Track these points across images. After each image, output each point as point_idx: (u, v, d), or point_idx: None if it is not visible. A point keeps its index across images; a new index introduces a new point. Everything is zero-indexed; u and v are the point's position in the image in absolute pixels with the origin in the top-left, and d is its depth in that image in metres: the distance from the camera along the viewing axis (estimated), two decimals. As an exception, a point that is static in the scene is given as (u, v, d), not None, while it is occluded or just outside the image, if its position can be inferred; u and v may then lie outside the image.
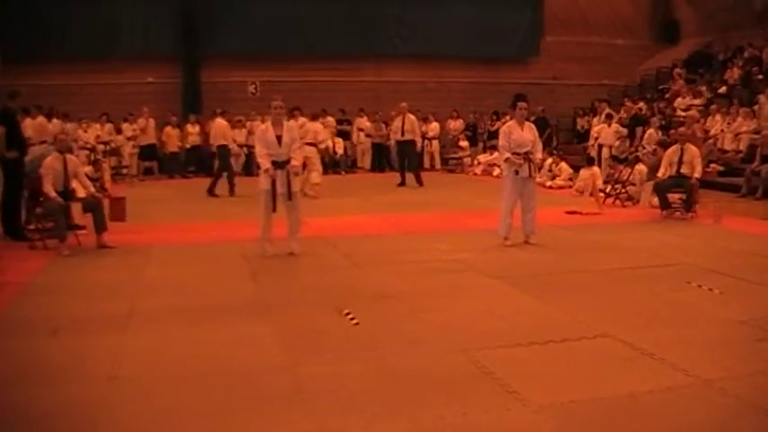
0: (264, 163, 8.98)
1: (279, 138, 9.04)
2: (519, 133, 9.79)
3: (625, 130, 17.74)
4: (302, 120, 15.88)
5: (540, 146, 10.18)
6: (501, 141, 10.02)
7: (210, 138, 17.84)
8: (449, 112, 23.99)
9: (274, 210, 9.07)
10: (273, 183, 8.98)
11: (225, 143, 16.79)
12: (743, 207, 13.44)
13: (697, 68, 23.00)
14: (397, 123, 18.50)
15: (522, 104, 9.89)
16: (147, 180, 20.53)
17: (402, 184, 18.03)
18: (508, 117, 13.59)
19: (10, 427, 4.32)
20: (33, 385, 4.90)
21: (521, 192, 9.84)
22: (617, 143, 17.70)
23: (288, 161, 9.08)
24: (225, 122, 17.39)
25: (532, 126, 10.15)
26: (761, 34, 21.33)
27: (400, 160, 18.99)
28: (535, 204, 9.97)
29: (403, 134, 18.11)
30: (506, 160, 9.79)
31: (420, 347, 5.61)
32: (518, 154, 9.71)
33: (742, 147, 16.90)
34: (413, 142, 18.40)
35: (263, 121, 11.11)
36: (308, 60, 23.39)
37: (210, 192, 16.08)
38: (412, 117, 18.39)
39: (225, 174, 16.36)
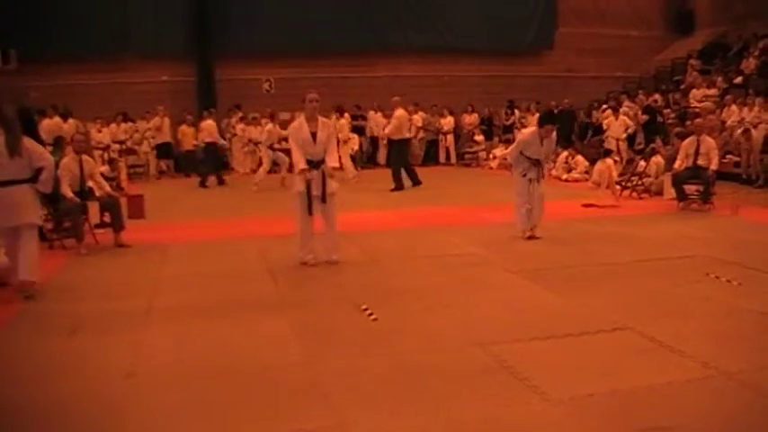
0: (300, 163, 8.39)
1: (314, 135, 8.42)
2: (537, 147, 9.70)
3: (632, 124, 17.67)
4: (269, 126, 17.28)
5: (551, 156, 10.13)
6: (513, 150, 10.04)
7: (200, 136, 19.24)
8: (464, 105, 23.96)
9: (311, 213, 8.51)
10: (308, 185, 8.39)
11: (212, 141, 18.49)
12: (760, 198, 13.36)
13: (712, 59, 22.83)
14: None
15: (549, 127, 9.69)
16: (163, 178, 20.61)
17: (415, 183, 16.61)
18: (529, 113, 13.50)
19: (30, 423, 4.36)
20: (53, 382, 4.95)
21: (530, 192, 9.80)
22: (624, 135, 17.68)
23: (323, 161, 8.48)
24: (212, 122, 18.78)
25: (553, 140, 10.02)
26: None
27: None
28: (542, 209, 9.85)
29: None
30: (511, 167, 9.84)
31: (438, 342, 5.62)
32: (528, 158, 9.72)
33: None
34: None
35: (293, 119, 10.69)
36: (323, 56, 23.37)
37: (202, 184, 17.93)
38: (398, 111, 16.63)
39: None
